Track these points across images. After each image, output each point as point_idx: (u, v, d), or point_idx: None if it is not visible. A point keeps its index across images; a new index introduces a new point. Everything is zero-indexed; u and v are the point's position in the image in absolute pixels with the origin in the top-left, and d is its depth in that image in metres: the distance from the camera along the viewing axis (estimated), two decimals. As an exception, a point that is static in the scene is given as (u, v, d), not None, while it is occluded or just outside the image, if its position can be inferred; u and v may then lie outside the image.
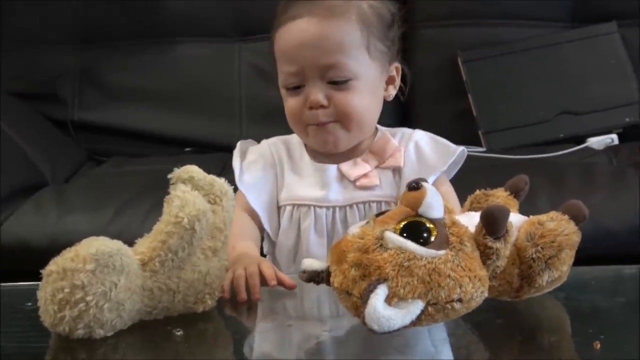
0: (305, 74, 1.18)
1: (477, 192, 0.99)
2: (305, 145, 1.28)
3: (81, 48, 2.36)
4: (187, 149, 2.24)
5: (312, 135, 1.22)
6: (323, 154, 1.25)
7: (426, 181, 0.87)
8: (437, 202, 0.84)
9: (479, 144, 2.13)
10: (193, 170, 0.96)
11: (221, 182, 0.98)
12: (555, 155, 1.97)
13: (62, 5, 2.35)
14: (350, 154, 1.25)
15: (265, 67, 2.27)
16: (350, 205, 1.21)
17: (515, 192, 0.99)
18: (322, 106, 1.18)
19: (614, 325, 0.90)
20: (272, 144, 1.30)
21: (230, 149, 2.15)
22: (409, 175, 1.21)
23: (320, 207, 1.22)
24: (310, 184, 1.24)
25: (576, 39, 2.23)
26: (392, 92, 1.28)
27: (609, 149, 2.04)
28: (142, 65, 2.34)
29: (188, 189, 0.92)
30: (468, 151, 1.99)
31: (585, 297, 1.00)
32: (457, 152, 1.26)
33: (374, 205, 1.21)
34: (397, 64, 1.27)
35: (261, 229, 1.26)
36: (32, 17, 2.36)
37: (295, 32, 1.19)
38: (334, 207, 1.22)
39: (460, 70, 2.20)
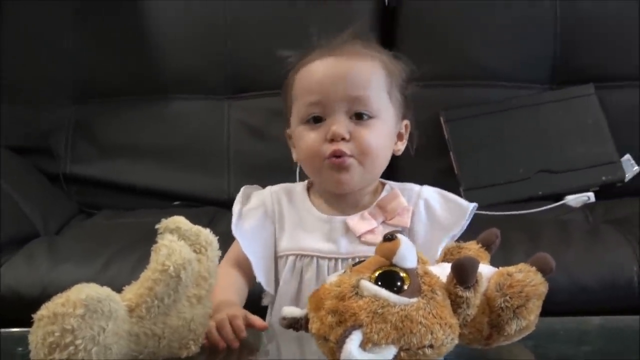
0: (329, 105, 1.19)
1: (450, 244, 1.03)
2: (309, 195, 1.28)
3: (75, 103, 2.40)
4: (176, 203, 2.26)
5: (327, 172, 1.20)
6: (327, 205, 1.25)
7: (402, 232, 0.91)
8: (410, 253, 0.88)
9: (460, 201, 2.16)
10: (180, 220, 1.00)
11: (207, 232, 1.01)
12: (532, 212, 2.00)
13: (58, 62, 2.40)
14: (355, 207, 1.25)
15: (253, 124, 2.32)
16: (353, 258, 1.17)
17: (486, 245, 1.02)
18: (343, 138, 1.18)
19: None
20: (274, 192, 1.30)
21: (218, 203, 2.22)
22: (421, 237, 1.22)
23: (323, 258, 1.21)
24: (314, 235, 1.23)
25: (555, 100, 2.26)
26: (401, 147, 1.29)
27: (586, 207, 2.07)
28: (134, 121, 2.38)
29: (175, 238, 0.95)
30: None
31: (553, 346, 1.03)
32: (469, 211, 1.24)
33: None
34: (407, 121, 1.29)
35: (250, 282, 1.25)
36: (28, 73, 2.40)
37: (322, 67, 1.22)
38: (336, 259, 1.21)
39: (443, 128, 2.24)
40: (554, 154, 2.20)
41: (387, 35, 2.36)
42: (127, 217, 2.17)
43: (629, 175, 2.18)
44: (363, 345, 0.81)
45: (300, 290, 1.22)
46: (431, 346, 0.83)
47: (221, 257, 1.05)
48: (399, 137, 1.28)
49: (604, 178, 2.16)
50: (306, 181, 1.32)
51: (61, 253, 1.84)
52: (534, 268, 0.94)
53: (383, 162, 1.25)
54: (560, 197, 2.11)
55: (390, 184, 1.29)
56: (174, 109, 2.38)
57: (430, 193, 1.28)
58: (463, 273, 0.86)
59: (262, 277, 1.22)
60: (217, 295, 1.11)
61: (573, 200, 2.10)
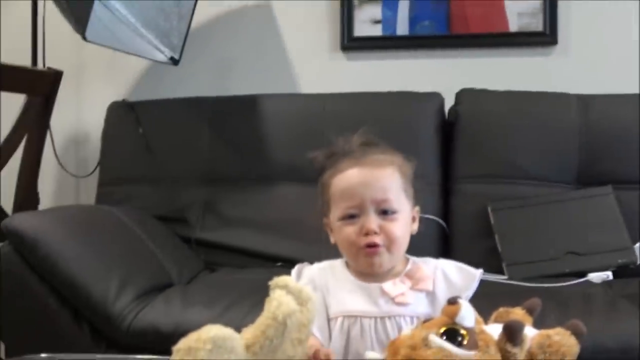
0: (362, 207, 1.20)
1: (501, 309, 1.00)
2: (348, 268, 1.27)
3: (206, 185, 2.44)
4: (279, 264, 2.26)
5: (363, 258, 1.21)
6: (364, 276, 1.24)
7: (461, 298, 0.89)
8: (469, 314, 0.86)
9: (502, 274, 2.12)
10: (287, 279, 0.99)
11: (307, 289, 1.00)
12: (561, 285, 1.94)
13: (194, 155, 2.47)
14: (387, 277, 1.23)
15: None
16: (389, 317, 1.19)
17: (530, 311, 1.00)
18: (375, 232, 1.19)
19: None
20: (321, 269, 1.29)
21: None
22: (441, 297, 1.19)
23: (365, 317, 1.20)
24: (357, 299, 1.21)
25: (579, 198, 2.22)
26: (415, 227, 1.28)
27: (605, 283, 2.00)
28: (250, 200, 2.41)
29: (283, 293, 0.95)
30: (493, 279, 2.01)
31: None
32: (477, 276, 1.23)
33: (408, 319, 1.18)
34: (417, 207, 1.29)
35: None
36: (172, 162, 2.47)
37: (353, 176, 1.23)
38: (376, 318, 1.19)
39: (489, 216, 2.21)
40: (578, 239, 2.14)
41: (447, 143, 2.36)
42: (242, 273, 2.17)
43: (640, 259, 2.11)
44: (430, 387, 0.79)
45: (348, 345, 1.20)
46: (485, 391, 0.80)
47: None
48: (413, 219, 1.28)
49: (619, 261, 2.10)
50: (344, 259, 1.30)
51: (191, 299, 1.85)
52: (569, 332, 0.90)
53: (405, 245, 1.25)
54: (584, 274, 2.04)
55: (412, 259, 1.28)
56: (280, 191, 2.39)
57: (446, 264, 1.27)
58: (512, 333, 0.84)
59: (319, 335, 1.21)
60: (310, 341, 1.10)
61: (595, 277, 2.03)
